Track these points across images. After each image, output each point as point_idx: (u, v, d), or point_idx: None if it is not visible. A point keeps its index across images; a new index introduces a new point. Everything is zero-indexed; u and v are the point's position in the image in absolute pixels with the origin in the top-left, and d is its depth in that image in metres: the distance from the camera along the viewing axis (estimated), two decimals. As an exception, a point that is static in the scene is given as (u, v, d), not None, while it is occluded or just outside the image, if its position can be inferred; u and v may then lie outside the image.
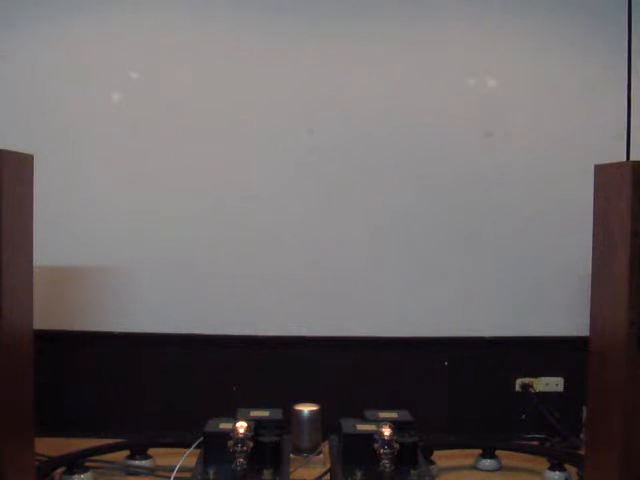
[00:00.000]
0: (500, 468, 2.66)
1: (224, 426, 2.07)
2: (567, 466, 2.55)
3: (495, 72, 2.96)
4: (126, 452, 2.62)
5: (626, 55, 2.92)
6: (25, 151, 2.00)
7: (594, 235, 2.09)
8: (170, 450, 2.60)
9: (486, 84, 2.96)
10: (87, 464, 2.51)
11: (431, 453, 2.59)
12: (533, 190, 2.96)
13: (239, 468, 1.88)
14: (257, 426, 2.08)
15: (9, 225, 1.86)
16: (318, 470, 2.48)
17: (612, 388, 1.96)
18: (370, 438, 1.97)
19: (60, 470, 2.47)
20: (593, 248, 2.09)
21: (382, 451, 1.91)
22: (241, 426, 1.93)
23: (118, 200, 2.93)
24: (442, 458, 2.65)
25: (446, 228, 2.97)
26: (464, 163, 2.96)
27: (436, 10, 2.94)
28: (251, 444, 1.93)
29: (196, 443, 2.28)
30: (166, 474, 2.47)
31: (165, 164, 2.93)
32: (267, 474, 1.96)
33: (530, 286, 2.97)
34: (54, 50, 2.91)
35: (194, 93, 2.93)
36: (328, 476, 2.31)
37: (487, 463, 2.66)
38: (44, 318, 2.74)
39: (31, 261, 2.05)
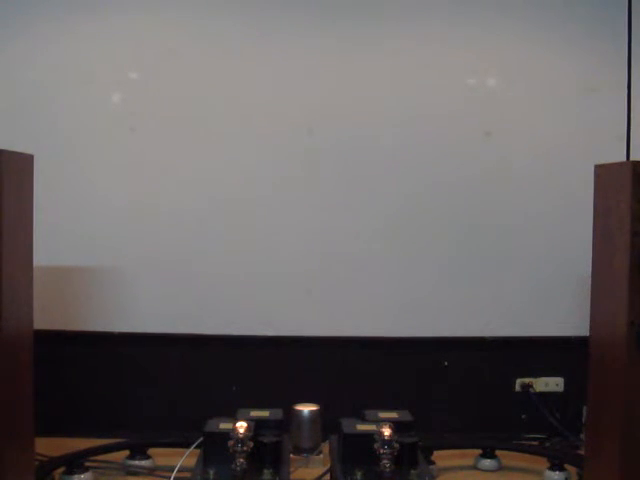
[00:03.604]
0: (500, 468, 2.66)
1: (224, 426, 2.07)
2: (567, 466, 2.55)
3: (495, 72, 2.96)
4: (126, 452, 2.62)
5: (626, 55, 2.92)
6: (25, 151, 2.00)
7: (594, 235, 2.09)
8: (170, 450, 2.61)
9: (486, 84, 2.97)
10: (87, 464, 2.52)
11: (431, 453, 2.59)
12: (533, 190, 2.96)
13: (239, 468, 1.88)
14: (257, 426, 2.08)
15: (9, 225, 1.86)
16: (318, 470, 2.48)
17: (612, 388, 1.96)
18: (370, 438, 1.97)
19: (60, 470, 2.48)
20: (593, 248, 2.10)
21: (382, 451, 1.91)
22: (241, 426, 1.93)
23: (118, 200, 2.93)
24: (442, 458, 2.65)
25: (446, 229, 2.97)
26: (464, 163, 2.96)
27: (436, 11, 2.94)
28: (251, 444, 1.93)
29: (196, 443, 2.28)
30: (166, 474, 2.47)
31: (165, 164, 2.93)
32: (267, 474, 1.96)
33: (530, 286, 2.97)
34: (54, 50, 2.91)
35: (194, 93, 2.93)
36: (328, 476, 2.31)
37: (487, 463, 2.66)
38: (44, 318, 2.74)
39: (31, 261, 2.05)
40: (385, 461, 1.90)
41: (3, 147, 1.85)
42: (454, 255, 2.97)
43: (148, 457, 2.62)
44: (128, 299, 2.94)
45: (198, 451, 2.14)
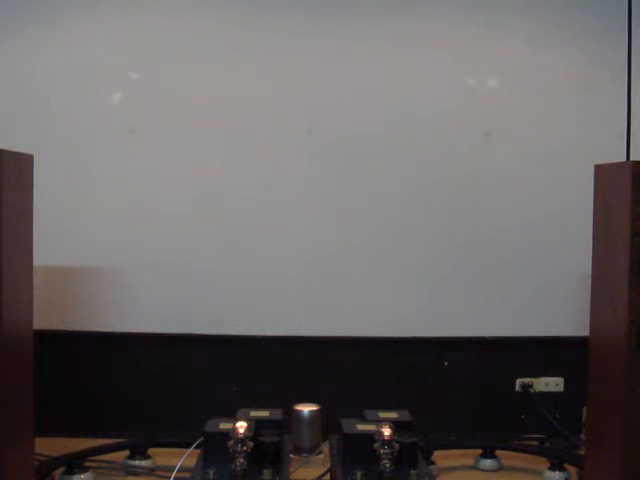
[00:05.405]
0: (500, 468, 2.67)
1: (224, 426, 2.07)
2: (567, 466, 2.55)
3: (495, 72, 2.96)
4: (126, 452, 2.62)
5: (626, 55, 2.92)
6: (25, 151, 2.00)
7: (594, 235, 2.09)
8: (170, 450, 2.61)
9: (486, 84, 2.97)
10: (87, 464, 2.52)
11: (431, 453, 2.59)
12: (533, 190, 2.96)
13: (239, 468, 1.88)
14: (257, 426, 2.08)
15: (9, 225, 1.86)
16: (318, 470, 2.48)
17: (612, 388, 1.96)
18: (370, 438, 1.97)
19: (60, 470, 2.48)
20: (593, 248, 2.09)
21: (382, 451, 1.91)
22: (241, 426, 1.93)
23: (118, 200, 2.93)
24: (442, 458, 2.65)
25: (446, 228, 2.97)
26: (464, 163, 2.96)
27: (436, 10, 2.94)
28: (251, 444, 1.93)
29: (196, 443, 2.28)
30: (166, 474, 2.47)
31: (164, 164, 2.93)
32: (267, 474, 1.96)
33: (530, 286, 2.97)
34: (54, 50, 2.91)
35: (193, 94, 2.93)
36: (328, 476, 2.31)
37: (487, 463, 2.66)
38: (44, 318, 2.74)
39: (31, 261, 2.05)
40: (385, 461, 1.90)
41: (3, 147, 1.84)
42: (454, 255, 2.97)
43: (148, 457, 2.62)
44: (128, 299, 2.94)
45: (198, 451, 2.14)
